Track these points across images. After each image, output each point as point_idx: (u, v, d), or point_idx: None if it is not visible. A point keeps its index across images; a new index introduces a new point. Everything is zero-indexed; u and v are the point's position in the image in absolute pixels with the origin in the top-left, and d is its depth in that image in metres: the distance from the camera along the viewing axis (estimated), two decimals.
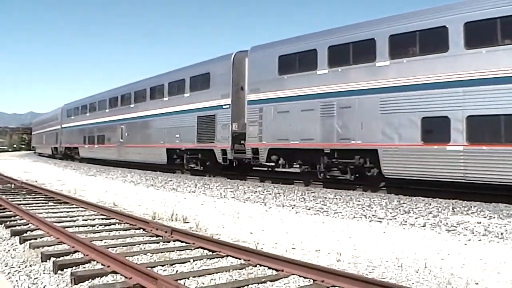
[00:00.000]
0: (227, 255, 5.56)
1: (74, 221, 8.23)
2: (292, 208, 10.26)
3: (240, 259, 5.36)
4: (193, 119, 19.84)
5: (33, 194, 12.19)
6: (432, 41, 11.83)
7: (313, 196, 12.33)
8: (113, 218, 8.33)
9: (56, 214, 9.03)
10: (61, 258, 5.33)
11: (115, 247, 6.05)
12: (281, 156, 15.70)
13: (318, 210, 9.86)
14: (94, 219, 8.36)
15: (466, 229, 7.64)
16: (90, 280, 4.57)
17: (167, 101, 22.33)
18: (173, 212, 8.79)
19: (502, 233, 7.30)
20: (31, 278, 4.74)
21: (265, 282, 4.58)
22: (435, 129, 11.61)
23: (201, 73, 19.86)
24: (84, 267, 5.03)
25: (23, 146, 76.56)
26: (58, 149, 40.66)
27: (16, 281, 4.66)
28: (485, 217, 8.89)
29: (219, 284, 4.55)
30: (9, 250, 6.02)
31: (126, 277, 4.55)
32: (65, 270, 4.91)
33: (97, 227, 7.60)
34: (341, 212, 9.59)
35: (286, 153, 15.57)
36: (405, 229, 7.81)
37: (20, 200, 10.89)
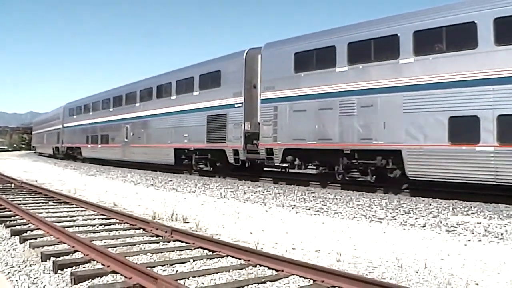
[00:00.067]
0: (227, 255, 5.55)
1: (74, 221, 8.23)
2: (292, 208, 10.26)
3: (240, 259, 5.36)
4: (203, 118, 19.22)
5: (33, 194, 12.19)
6: (460, 37, 11.39)
7: (313, 196, 12.33)
8: (113, 218, 8.33)
9: (56, 214, 9.03)
10: (61, 258, 5.33)
11: (115, 247, 6.05)
12: (297, 157, 15.13)
13: (318, 210, 9.86)
14: (94, 219, 8.36)
15: (466, 230, 7.65)
16: (90, 280, 4.57)
17: (174, 100, 21.72)
18: (173, 212, 8.79)
19: (502, 234, 7.30)
20: (31, 277, 4.74)
21: (265, 282, 4.58)
22: (463, 129, 11.07)
23: (211, 71, 19.23)
24: (84, 267, 5.03)
25: (23, 146, 76.53)
26: (60, 149, 40.20)
27: (16, 280, 4.66)
28: (485, 218, 8.89)
29: (219, 284, 4.55)
30: (9, 250, 6.02)
31: (126, 277, 4.55)
32: (65, 270, 4.91)
33: (97, 227, 7.60)
34: (341, 212, 9.59)
35: (303, 153, 15.02)
36: (405, 229, 7.81)
37: (20, 200, 10.89)
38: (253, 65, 17.11)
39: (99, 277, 4.65)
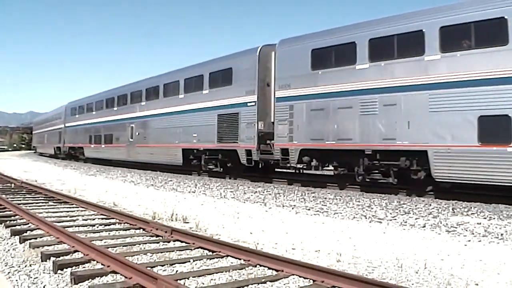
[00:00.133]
0: (227, 255, 5.56)
1: (74, 220, 8.24)
2: (292, 208, 10.26)
3: (240, 259, 5.37)
4: (213, 118, 18.55)
5: (33, 194, 12.19)
6: (489, 33, 10.89)
7: (313, 197, 12.33)
8: (113, 218, 8.33)
9: (56, 213, 9.03)
10: (61, 258, 5.33)
11: (115, 247, 6.05)
12: (314, 157, 14.52)
13: (318, 211, 9.86)
14: (94, 219, 8.36)
15: (466, 230, 7.64)
16: (90, 279, 4.57)
17: (182, 99, 21.04)
18: (173, 212, 8.79)
19: (502, 234, 7.30)
20: (31, 277, 4.74)
21: (265, 282, 4.58)
22: (494, 129, 10.60)
23: (222, 69, 18.57)
24: (84, 267, 5.03)
25: (23, 146, 76.51)
26: (61, 148, 39.55)
27: (16, 280, 4.66)
28: (485, 218, 8.89)
29: (219, 284, 4.55)
30: (9, 250, 6.02)
31: (126, 277, 4.55)
32: (65, 269, 4.91)
33: (97, 227, 7.60)
34: (341, 213, 9.59)
35: (320, 154, 14.40)
36: (405, 229, 7.81)
37: (20, 200, 10.89)
38: (266, 62, 16.55)
39: (99, 277, 4.65)
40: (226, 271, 4.93)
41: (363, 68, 13.03)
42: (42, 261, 5.33)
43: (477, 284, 4.71)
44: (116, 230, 7.34)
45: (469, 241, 6.89)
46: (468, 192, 11.59)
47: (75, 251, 5.64)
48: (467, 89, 11.00)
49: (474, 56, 10.98)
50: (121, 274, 4.66)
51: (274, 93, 15.93)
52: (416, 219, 8.78)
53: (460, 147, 11.05)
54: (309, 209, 10.06)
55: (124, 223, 7.87)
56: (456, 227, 7.89)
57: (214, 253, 5.68)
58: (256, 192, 13.56)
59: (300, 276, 4.71)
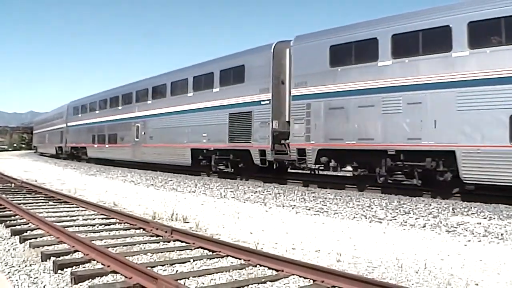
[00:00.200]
0: (227, 255, 5.56)
1: (74, 220, 8.24)
2: (292, 208, 10.26)
3: (240, 259, 5.37)
4: (224, 117, 17.92)
5: (33, 194, 12.20)
6: None
7: (313, 197, 12.33)
8: (113, 218, 8.33)
9: (56, 213, 9.03)
10: (61, 258, 5.33)
11: (115, 246, 6.05)
12: (332, 158, 13.93)
13: (318, 211, 9.86)
14: (94, 219, 8.37)
15: (466, 230, 7.64)
16: (90, 279, 4.57)
17: (191, 97, 20.35)
18: (173, 212, 8.79)
19: (502, 234, 7.30)
20: (31, 277, 4.75)
21: (265, 282, 4.58)
22: None
23: (234, 66, 17.95)
24: (84, 267, 5.03)
25: (23, 146, 76.53)
26: (63, 148, 38.88)
27: (16, 280, 4.66)
28: (485, 218, 8.89)
29: (219, 284, 4.55)
30: (9, 250, 6.03)
31: (126, 277, 4.55)
32: (65, 269, 4.91)
33: (97, 227, 7.60)
34: (341, 213, 9.59)
35: (339, 154, 13.82)
36: (405, 229, 7.81)
37: (20, 200, 10.89)
38: (281, 59, 16.02)
39: (99, 277, 4.65)
40: (226, 271, 4.94)
41: (386, 65, 12.51)
42: (42, 261, 5.34)
43: (477, 284, 4.71)
44: (116, 230, 7.34)
45: (469, 241, 6.89)
46: (468, 192, 11.58)
47: (75, 251, 5.64)
48: (498, 87, 10.51)
49: (504, 52, 10.55)
50: (121, 274, 4.66)
51: (290, 91, 15.41)
52: (416, 219, 8.78)
53: (491, 147, 10.56)
54: (309, 209, 10.06)
55: (124, 223, 7.88)
56: (456, 227, 7.89)
57: (214, 253, 5.68)
58: (256, 192, 13.56)
59: (300, 276, 4.71)
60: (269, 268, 5.01)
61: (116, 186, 15.68)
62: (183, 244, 6.24)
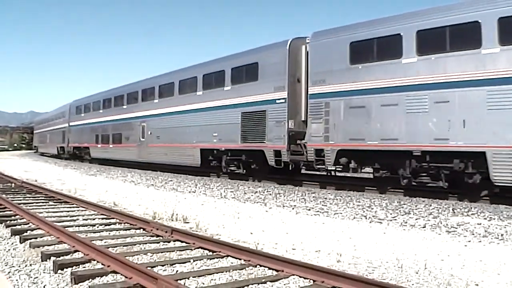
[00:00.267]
0: (227, 255, 5.56)
1: (74, 220, 8.25)
2: (293, 208, 10.26)
3: (240, 259, 5.37)
4: (236, 116, 17.30)
5: (33, 194, 12.20)
6: None
7: (313, 197, 12.33)
8: (113, 218, 8.33)
9: (56, 213, 9.04)
10: (61, 258, 5.34)
11: (115, 246, 6.06)
12: (353, 159, 13.45)
13: (318, 211, 9.86)
14: (94, 219, 8.37)
15: (466, 230, 7.64)
16: (90, 279, 4.57)
17: (201, 96, 19.74)
18: (173, 212, 8.79)
19: (502, 234, 7.30)
20: (31, 277, 4.75)
21: (265, 282, 4.58)
22: None
23: (247, 63, 17.35)
24: (84, 267, 5.04)
25: (24, 146, 76.54)
26: (65, 148, 38.23)
27: (16, 280, 4.66)
28: (485, 219, 8.89)
29: (219, 284, 4.55)
30: (9, 250, 6.03)
31: (126, 277, 4.55)
32: (65, 269, 4.91)
33: (97, 227, 7.61)
34: (341, 213, 9.59)
35: (360, 155, 13.32)
36: (405, 230, 7.81)
37: (21, 200, 10.90)
38: (296, 56, 15.49)
39: (99, 277, 4.65)
40: (226, 271, 4.94)
41: (411, 62, 12.00)
42: (42, 261, 5.34)
43: (477, 285, 4.71)
44: (117, 230, 7.34)
45: (469, 241, 6.89)
46: (468, 192, 11.58)
47: (75, 251, 5.64)
48: None
49: None
50: (121, 274, 4.67)
51: (307, 89, 14.87)
52: (416, 219, 8.78)
53: None
54: (309, 209, 10.06)
55: (125, 223, 7.88)
56: (456, 228, 7.89)
57: (214, 253, 5.69)
58: (256, 192, 13.55)
59: (300, 276, 4.71)
60: (269, 269, 5.01)
61: (116, 186, 15.68)
62: (183, 244, 6.24)
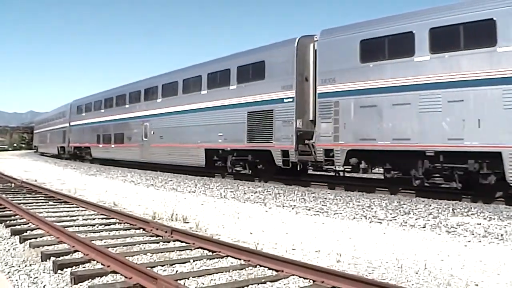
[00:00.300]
0: (227, 256, 5.56)
1: (74, 220, 8.24)
2: (292, 208, 10.26)
3: (240, 259, 5.37)
4: (242, 115, 16.99)
5: (33, 193, 12.20)
6: None
7: (313, 197, 12.33)
8: (113, 218, 8.33)
9: (56, 213, 9.04)
10: (61, 258, 5.34)
11: (115, 247, 6.06)
12: (363, 159, 13.23)
13: (318, 211, 9.87)
14: (94, 219, 8.37)
15: (466, 231, 7.64)
16: (90, 279, 4.58)
17: (205, 95, 19.39)
18: (173, 212, 8.79)
19: (502, 235, 7.30)
20: (31, 277, 4.75)
21: (265, 282, 4.58)
22: None
23: (253, 62, 17.06)
24: (84, 267, 5.04)
25: (24, 145, 76.53)
26: (66, 148, 37.94)
27: (16, 280, 4.66)
28: (485, 219, 8.89)
29: (219, 284, 4.56)
30: (9, 249, 6.03)
31: (126, 277, 4.55)
32: (65, 269, 4.91)
33: (97, 227, 7.61)
34: (341, 213, 9.59)
35: (371, 155, 13.07)
36: (405, 230, 7.81)
37: (20, 199, 10.89)
38: (304, 55, 15.22)
39: (99, 277, 4.65)
40: (226, 271, 4.94)
41: (423, 60, 11.75)
42: (42, 261, 5.34)
43: (477, 285, 4.71)
44: (116, 230, 7.34)
45: (469, 241, 6.89)
46: (468, 193, 11.58)
47: (75, 251, 5.64)
48: None
49: None
50: (121, 274, 4.67)
51: (315, 88, 14.58)
52: (416, 219, 8.78)
53: None
54: (309, 209, 10.06)
55: (124, 223, 7.88)
56: (456, 228, 7.89)
57: (214, 253, 5.69)
58: (256, 192, 13.55)
59: (300, 277, 4.71)
60: (269, 269, 5.01)
61: (116, 186, 15.68)
62: (183, 244, 6.24)
